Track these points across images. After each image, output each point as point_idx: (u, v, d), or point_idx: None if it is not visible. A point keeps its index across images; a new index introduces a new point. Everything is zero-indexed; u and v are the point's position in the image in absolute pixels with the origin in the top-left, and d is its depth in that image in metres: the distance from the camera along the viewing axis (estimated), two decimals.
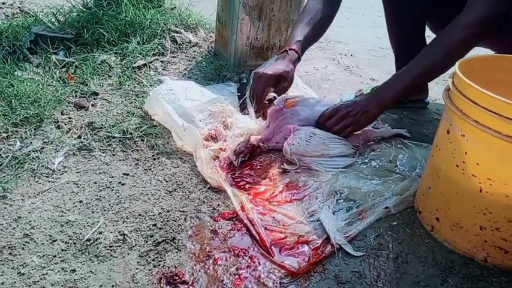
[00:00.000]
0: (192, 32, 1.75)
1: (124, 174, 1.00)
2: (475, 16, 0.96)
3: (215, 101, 1.25)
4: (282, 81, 1.12)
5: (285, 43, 1.55)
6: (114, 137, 1.12)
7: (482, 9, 0.95)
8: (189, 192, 0.97)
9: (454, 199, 0.84)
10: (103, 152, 1.07)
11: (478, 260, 0.83)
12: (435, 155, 0.89)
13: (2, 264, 0.74)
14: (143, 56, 1.53)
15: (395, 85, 1.08)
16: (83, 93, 1.30)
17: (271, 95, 1.09)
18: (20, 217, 0.84)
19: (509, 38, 1.13)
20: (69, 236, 0.81)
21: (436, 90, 1.65)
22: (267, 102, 1.09)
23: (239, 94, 1.39)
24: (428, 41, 1.24)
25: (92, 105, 1.26)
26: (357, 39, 2.26)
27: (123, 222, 0.86)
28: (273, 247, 0.83)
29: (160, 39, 1.64)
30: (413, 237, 0.90)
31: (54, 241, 0.80)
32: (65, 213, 0.87)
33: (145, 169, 1.03)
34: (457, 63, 0.84)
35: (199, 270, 0.77)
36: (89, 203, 0.90)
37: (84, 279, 0.73)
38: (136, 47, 1.54)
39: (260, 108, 1.09)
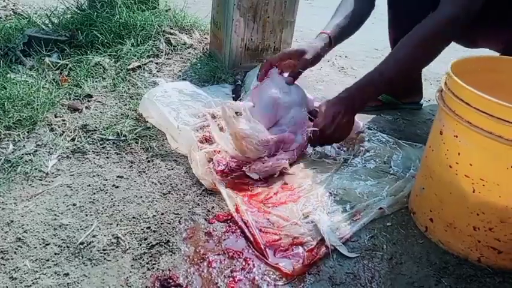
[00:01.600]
0: (186, 34, 1.75)
1: (118, 176, 0.99)
2: (445, 15, 0.97)
3: (210, 103, 1.25)
4: (304, 55, 1.15)
5: (279, 44, 1.56)
6: (108, 140, 1.12)
7: (452, 8, 0.97)
8: (184, 194, 0.96)
9: (448, 200, 0.84)
10: (97, 155, 1.07)
11: (471, 260, 0.84)
12: (428, 155, 0.90)
13: None
14: (137, 58, 1.52)
15: (367, 89, 1.07)
16: (76, 96, 1.30)
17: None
18: (12, 221, 0.83)
19: (505, 34, 1.13)
20: (62, 239, 0.81)
21: (430, 91, 1.66)
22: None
23: (234, 96, 1.39)
24: None
25: (86, 107, 1.25)
26: (352, 41, 2.24)
27: (117, 225, 0.85)
28: (267, 249, 0.83)
29: (154, 41, 1.63)
30: (408, 238, 0.90)
31: (47, 245, 0.79)
32: (58, 216, 0.86)
33: (139, 171, 1.02)
34: (449, 64, 0.85)
35: (193, 273, 0.77)
36: (83, 206, 0.89)
37: (78, 283, 0.73)
38: (130, 49, 1.54)
39: (262, 74, 1.17)
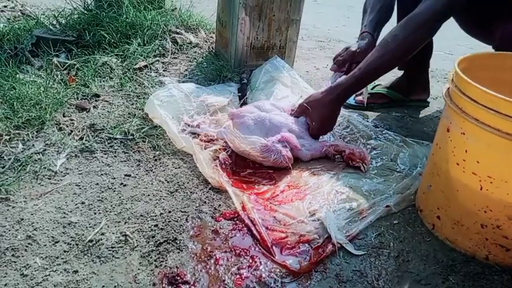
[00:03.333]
0: (192, 33, 1.76)
1: (126, 175, 1.00)
2: (429, 11, 1.02)
3: (214, 108, 1.27)
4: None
5: (285, 43, 1.56)
6: (115, 139, 1.13)
7: (436, 4, 1.01)
8: (191, 192, 0.97)
9: (455, 197, 0.84)
10: (105, 154, 1.08)
11: (479, 258, 0.83)
12: (435, 153, 0.89)
13: (5, 265, 0.74)
14: (144, 58, 1.53)
15: (348, 82, 1.13)
16: (84, 95, 1.31)
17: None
18: (22, 219, 0.85)
19: (498, 30, 1.13)
20: (71, 237, 0.82)
21: (437, 88, 1.65)
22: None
23: (240, 94, 1.39)
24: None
25: (94, 107, 1.26)
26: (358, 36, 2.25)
27: (125, 223, 0.86)
28: (274, 247, 0.83)
29: (161, 40, 1.64)
30: (415, 235, 0.90)
31: (56, 242, 0.80)
32: (67, 214, 0.87)
33: (146, 170, 1.03)
34: (456, 61, 0.84)
35: (200, 270, 0.77)
36: (91, 204, 0.90)
37: (87, 280, 0.73)
38: (137, 49, 1.55)
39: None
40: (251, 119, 1.14)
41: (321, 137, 1.21)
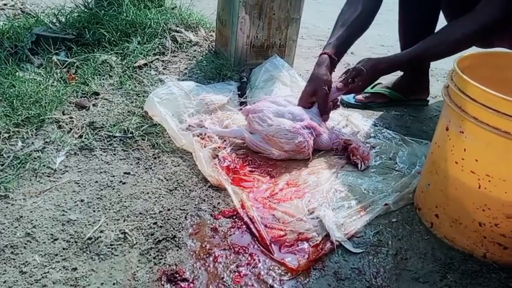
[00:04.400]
0: (192, 32, 1.76)
1: (125, 173, 1.01)
2: (484, 18, 1.01)
3: (214, 106, 1.27)
4: (319, 90, 1.19)
5: (285, 42, 1.56)
6: (115, 137, 1.13)
7: (492, 14, 1.00)
8: (190, 190, 0.97)
9: (453, 195, 0.84)
10: (104, 152, 1.08)
11: (477, 256, 0.84)
12: (434, 151, 0.90)
13: (4, 263, 0.75)
14: (144, 56, 1.53)
15: (394, 58, 1.16)
16: (84, 93, 1.31)
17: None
18: (21, 216, 0.85)
19: None
20: (70, 234, 0.82)
21: (436, 87, 1.65)
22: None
23: (239, 93, 1.39)
24: None
25: (93, 105, 1.26)
26: None
27: (124, 220, 0.86)
28: (273, 244, 0.84)
29: (160, 38, 1.64)
30: (413, 233, 0.90)
31: (55, 240, 0.80)
32: (66, 212, 0.87)
33: (146, 168, 1.03)
34: (456, 60, 0.84)
35: (199, 268, 0.78)
36: (90, 202, 0.91)
37: (86, 277, 0.74)
38: (137, 47, 1.55)
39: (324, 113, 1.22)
40: (271, 112, 1.14)
41: (334, 128, 1.23)
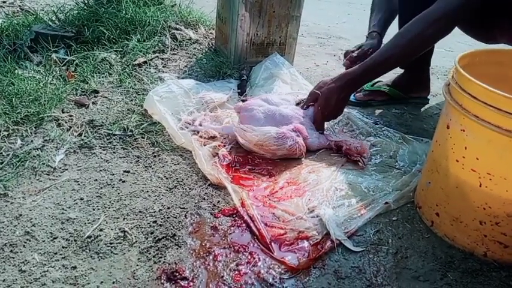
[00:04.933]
0: (192, 29, 1.75)
1: (124, 171, 1.00)
2: (446, 8, 1.01)
3: (214, 104, 1.26)
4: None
5: (285, 39, 1.55)
6: (114, 135, 1.12)
7: (453, 2, 1.00)
8: (190, 189, 0.97)
9: (454, 194, 0.84)
10: (103, 150, 1.07)
11: (477, 255, 0.83)
12: (435, 150, 0.89)
13: (3, 261, 0.74)
14: (143, 54, 1.53)
15: (358, 70, 1.13)
16: (83, 91, 1.31)
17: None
18: (21, 215, 0.85)
19: None
20: (69, 233, 0.82)
21: (437, 85, 1.64)
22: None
23: (239, 91, 1.39)
24: None
25: (93, 103, 1.26)
26: (358, 35, 2.25)
27: (124, 219, 0.86)
28: (273, 243, 0.83)
29: (160, 36, 1.64)
30: (413, 232, 0.90)
31: (55, 238, 0.80)
32: (66, 210, 0.87)
33: (145, 166, 1.03)
34: (456, 58, 0.84)
35: (199, 266, 0.77)
36: (90, 200, 0.90)
37: (85, 276, 0.73)
38: (136, 45, 1.54)
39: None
40: (261, 112, 1.14)
41: (325, 130, 1.21)
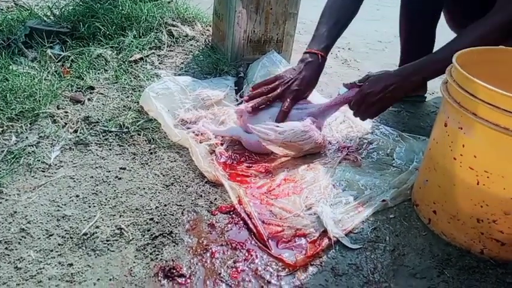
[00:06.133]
0: (189, 26, 1.74)
1: (121, 168, 1.00)
2: (502, 20, 0.97)
3: (210, 102, 1.26)
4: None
5: (282, 36, 1.55)
6: (110, 131, 1.11)
7: (508, 15, 0.97)
8: (186, 186, 0.96)
9: (451, 192, 0.84)
10: (99, 147, 1.06)
11: (474, 252, 0.84)
12: (432, 147, 0.89)
13: None
14: (139, 50, 1.52)
15: (421, 70, 1.04)
16: (79, 88, 1.29)
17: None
18: (16, 212, 0.84)
19: None
20: (65, 230, 0.81)
21: (433, 83, 1.64)
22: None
23: (236, 88, 1.38)
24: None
25: (88, 99, 1.25)
26: (355, 33, 2.25)
27: (120, 216, 0.86)
28: (270, 240, 0.83)
29: (156, 32, 1.62)
30: (410, 229, 0.90)
31: (50, 235, 0.79)
32: (62, 207, 0.86)
33: (142, 163, 1.02)
34: (455, 56, 0.84)
35: (196, 264, 0.77)
36: (86, 197, 0.90)
37: (81, 273, 0.73)
38: (132, 41, 1.53)
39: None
40: (266, 113, 1.13)
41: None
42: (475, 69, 0.80)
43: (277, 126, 1.05)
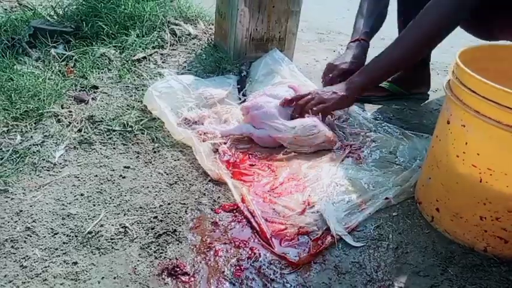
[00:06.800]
0: (191, 25, 1.74)
1: (125, 167, 1.00)
2: (445, 8, 1.00)
3: (213, 100, 1.26)
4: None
5: (285, 35, 1.55)
6: (114, 130, 1.12)
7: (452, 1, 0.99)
8: (190, 184, 0.97)
9: (454, 189, 0.84)
10: (103, 145, 1.07)
11: (477, 250, 0.84)
12: (435, 145, 0.89)
13: (5, 257, 0.74)
14: (143, 49, 1.52)
15: (369, 72, 1.15)
16: (82, 87, 1.30)
17: None
18: (21, 210, 0.84)
19: None
20: (70, 229, 0.82)
21: (437, 80, 1.64)
22: None
23: (239, 86, 1.38)
24: None
25: (92, 98, 1.25)
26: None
27: (124, 214, 0.86)
28: (273, 238, 0.83)
29: (159, 31, 1.63)
30: (413, 227, 0.90)
31: (55, 234, 0.80)
32: (66, 206, 0.87)
33: (146, 162, 1.03)
34: (457, 53, 0.84)
35: (200, 262, 0.77)
36: (90, 196, 0.90)
37: (86, 271, 0.74)
38: (135, 40, 1.54)
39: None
40: (273, 107, 1.14)
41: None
42: (478, 66, 0.80)
43: (285, 121, 1.10)
